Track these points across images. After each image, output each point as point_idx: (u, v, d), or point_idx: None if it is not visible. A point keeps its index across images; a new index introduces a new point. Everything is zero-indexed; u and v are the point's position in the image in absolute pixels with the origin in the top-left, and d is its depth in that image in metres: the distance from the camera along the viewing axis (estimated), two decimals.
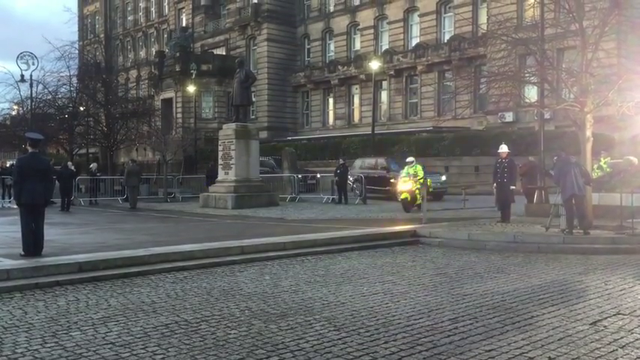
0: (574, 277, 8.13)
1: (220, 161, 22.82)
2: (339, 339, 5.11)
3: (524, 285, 7.55)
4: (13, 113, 50.20)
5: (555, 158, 12.36)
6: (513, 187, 14.79)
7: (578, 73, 12.95)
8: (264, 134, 42.80)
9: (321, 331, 5.34)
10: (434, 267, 9.07)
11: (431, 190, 19.12)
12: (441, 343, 4.98)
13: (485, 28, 27.21)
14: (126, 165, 31.89)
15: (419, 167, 18.85)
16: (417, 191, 17.59)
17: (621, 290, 7.18)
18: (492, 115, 34.36)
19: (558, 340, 5.08)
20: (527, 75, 15.22)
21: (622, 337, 5.15)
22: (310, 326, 5.52)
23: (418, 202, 17.29)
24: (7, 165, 32.32)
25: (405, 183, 18.17)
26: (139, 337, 5.20)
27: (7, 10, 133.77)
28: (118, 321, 5.77)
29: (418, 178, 18.19)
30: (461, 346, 4.93)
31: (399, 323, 5.62)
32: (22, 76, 34.25)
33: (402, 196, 18.27)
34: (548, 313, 6.02)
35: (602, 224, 12.38)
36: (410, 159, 19.45)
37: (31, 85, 35.18)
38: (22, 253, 9.23)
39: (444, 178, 24.44)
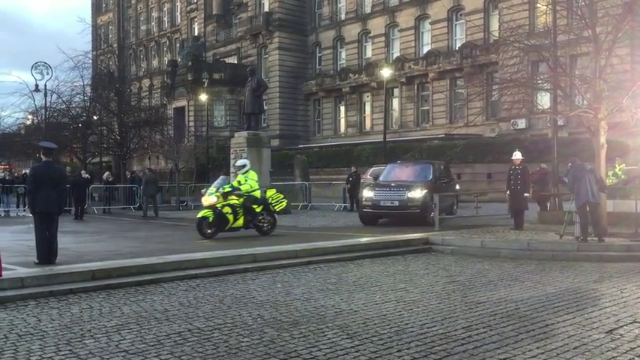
0: (589, 285, 8.05)
1: (232, 169, 22.89)
2: (352, 347, 5.08)
3: (539, 293, 7.48)
4: (28, 122, 50.73)
5: (570, 165, 12.24)
6: (527, 195, 14.70)
7: (591, 80, 12.87)
8: (275, 142, 42.92)
9: (333, 340, 5.32)
10: (447, 275, 9.01)
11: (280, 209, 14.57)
12: (454, 352, 4.94)
13: (497, 35, 27.20)
14: (136, 174, 32.05)
15: (252, 174, 14.27)
16: (228, 209, 13.39)
17: (637, 298, 7.10)
18: (505, 122, 34.22)
19: (574, 348, 5.02)
20: (539, 81, 15.16)
21: (639, 346, 5.08)
22: (323, 334, 5.50)
23: (238, 224, 13.56)
24: (17, 174, 32.58)
25: (210, 197, 13.61)
26: (152, 345, 5.20)
27: (25, 22, 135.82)
28: (131, 329, 5.78)
29: (225, 190, 13.64)
30: (475, 354, 4.88)
31: (412, 331, 5.59)
32: (37, 85, 34.64)
33: (201, 214, 13.66)
34: (563, 321, 5.95)
35: (616, 231, 12.26)
36: (241, 162, 14.76)
37: (45, 95, 35.55)
38: (37, 261, 9.30)
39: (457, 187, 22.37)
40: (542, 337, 5.37)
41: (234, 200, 13.57)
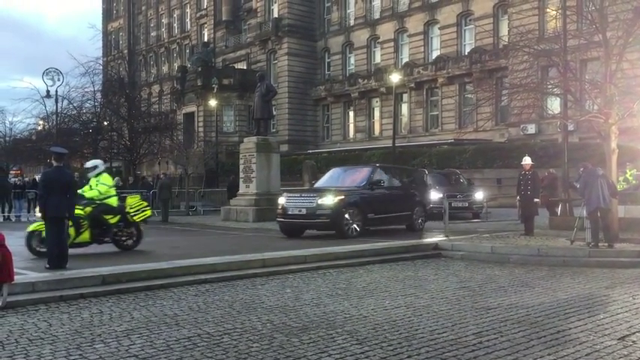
0: (600, 291, 7.98)
1: (241, 174, 22.95)
2: (362, 353, 5.06)
3: (550, 299, 7.42)
4: (39, 128, 51.20)
5: (581, 170, 12.14)
6: (537, 200, 14.62)
7: (602, 84, 12.80)
8: (284, 147, 42.97)
9: (343, 345, 5.30)
10: (457, 280, 8.97)
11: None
12: (465, 358, 4.91)
13: (507, 40, 27.14)
14: (146, 179, 32.18)
15: (105, 178, 12.10)
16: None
17: None
18: (514, 127, 34.10)
19: (586, 355, 4.98)
20: (549, 86, 15.10)
21: None
22: (332, 340, 5.49)
23: (82, 239, 11.47)
24: (28, 179, 32.77)
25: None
26: (162, 350, 5.21)
27: (38, 29, 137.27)
28: (141, 333, 5.79)
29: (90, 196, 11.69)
30: None
31: (422, 337, 5.56)
32: (48, 91, 34.97)
33: (31, 227, 11.28)
34: (575, 327, 5.91)
35: (628, 237, 12.17)
36: (91, 163, 12.74)
37: (56, 101, 35.90)
38: (47, 265, 9.35)
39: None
40: (554, 343, 5.33)
41: (77, 210, 10.73)
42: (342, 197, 14.70)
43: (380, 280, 9.05)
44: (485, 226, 16.70)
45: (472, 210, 20.40)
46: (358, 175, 16.40)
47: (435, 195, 19.04)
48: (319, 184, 17.38)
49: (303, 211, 14.82)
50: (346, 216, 14.59)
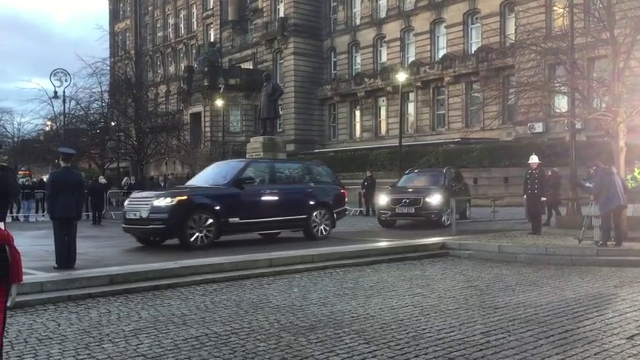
0: (609, 290, 7.94)
1: None
2: (370, 352, 5.06)
3: (558, 298, 7.40)
4: (47, 129, 51.40)
5: (594, 168, 12.00)
6: (544, 199, 14.57)
7: (609, 82, 12.76)
8: (291, 147, 42.98)
9: (350, 345, 5.30)
10: (464, 279, 8.95)
11: None
12: (473, 357, 4.90)
13: (514, 39, 27.02)
14: (155, 179, 32.28)
15: None
16: None
17: None
18: (521, 125, 33.97)
19: (594, 354, 4.96)
20: (557, 85, 15.06)
21: None
22: (340, 339, 5.49)
23: None
24: (36, 180, 32.88)
25: None
26: (170, 350, 5.23)
27: (46, 30, 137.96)
28: (149, 333, 5.81)
29: None
30: None
31: (429, 336, 5.55)
32: (56, 92, 35.15)
33: None
34: (583, 326, 5.88)
35: (636, 236, 12.09)
36: None
37: (64, 102, 36.06)
38: (56, 265, 9.39)
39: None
40: (562, 342, 5.31)
41: None
42: (184, 198, 12.42)
43: (387, 279, 9.04)
44: (493, 225, 16.65)
45: (420, 216, 17.17)
46: (226, 172, 13.98)
47: (383, 199, 18.17)
48: (188, 183, 16.09)
49: (139, 215, 12.47)
50: (191, 221, 12.09)
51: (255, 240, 14.13)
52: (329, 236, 14.49)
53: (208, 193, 12.98)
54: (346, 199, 16.09)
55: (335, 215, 14.93)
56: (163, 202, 12.18)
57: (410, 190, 18.36)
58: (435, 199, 17.12)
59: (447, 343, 5.30)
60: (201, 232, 12.20)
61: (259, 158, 18.31)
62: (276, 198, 13.77)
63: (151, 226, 12.23)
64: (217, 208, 12.51)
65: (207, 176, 14.50)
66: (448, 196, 17.26)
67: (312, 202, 14.38)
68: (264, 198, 13.58)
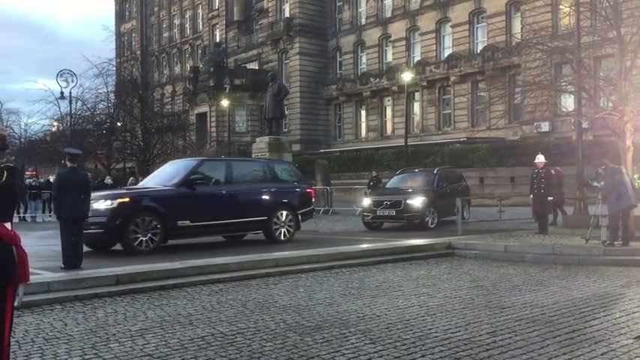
0: (616, 290, 7.91)
1: None
2: (376, 352, 5.05)
3: (565, 298, 7.37)
4: (53, 129, 51.63)
5: (603, 168, 11.89)
6: (551, 198, 14.52)
7: (616, 81, 12.71)
8: (296, 147, 42.99)
9: (356, 344, 5.30)
10: (470, 279, 8.93)
11: None
12: (479, 357, 4.88)
13: (520, 38, 26.96)
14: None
15: None
16: None
17: None
18: (528, 125, 33.88)
19: (601, 355, 4.94)
20: (563, 84, 15.01)
21: None
22: (346, 339, 5.49)
23: None
24: (42, 180, 32.96)
25: None
26: (176, 350, 5.24)
27: (53, 31, 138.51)
28: (155, 333, 5.82)
29: None
30: None
31: (435, 336, 5.54)
32: (62, 93, 35.32)
33: None
34: (590, 326, 5.86)
35: None
36: None
37: (70, 102, 36.22)
38: (62, 265, 9.43)
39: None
40: (569, 342, 5.29)
41: None
42: (126, 200, 11.67)
43: (393, 279, 9.03)
44: (499, 225, 16.60)
45: (401, 219, 16.77)
46: (177, 171, 13.15)
47: (365, 201, 17.76)
48: (140, 183, 15.41)
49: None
50: (134, 225, 11.35)
51: (217, 243, 13.59)
52: (293, 239, 13.76)
53: (154, 195, 12.14)
54: (313, 199, 15.28)
55: (300, 216, 14.12)
56: (103, 204, 11.34)
57: (393, 191, 17.85)
58: (417, 201, 16.49)
59: (454, 343, 5.29)
60: (145, 235, 11.42)
61: (214, 157, 17.20)
62: (232, 199, 13.01)
63: (89, 231, 10.98)
64: (164, 210, 11.67)
65: (159, 176, 13.65)
66: (434, 197, 16.85)
67: (273, 203, 13.70)
68: (218, 199, 12.77)
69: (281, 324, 6.12)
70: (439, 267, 10.35)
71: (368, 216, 17.31)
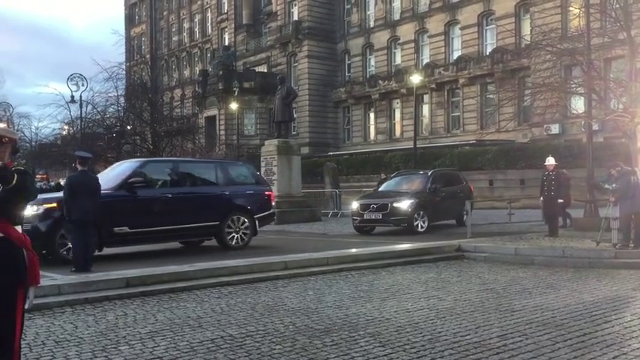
0: (627, 293, 7.85)
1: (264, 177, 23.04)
2: (385, 355, 5.04)
3: (575, 301, 7.32)
4: (64, 133, 51.94)
5: (617, 169, 11.77)
6: (561, 201, 14.43)
7: (627, 83, 12.63)
8: (305, 150, 43.02)
9: (366, 348, 5.29)
10: (480, 282, 8.89)
11: None
12: None
13: (529, 40, 26.86)
14: None
15: None
16: None
17: None
18: (537, 127, 33.73)
19: (613, 358, 4.90)
20: (573, 86, 14.94)
21: None
22: (355, 342, 5.48)
23: None
24: (52, 183, 33.14)
25: None
26: (186, 352, 5.25)
27: (64, 35, 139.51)
28: (165, 336, 5.84)
29: None
30: None
31: (445, 339, 5.52)
32: (72, 97, 35.52)
33: None
34: (602, 330, 5.82)
35: None
36: None
37: (80, 106, 36.43)
38: (73, 268, 9.48)
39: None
40: (580, 346, 5.25)
41: None
42: (53, 205, 10.68)
43: (402, 282, 9.01)
44: (509, 228, 16.51)
45: (388, 222, 16.46)
46: (117, 174, 12.31)
47: (354, 205, 17.31)
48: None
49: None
50: (62, 231, 10.53)
51: (174, 250, 13.06)
52: (249, 245, 13.00)
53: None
54: (273, 203, 14.49)
55: (257, 221, 13.30)
56: (30, 210, 10.19)
57: (382, 194, 17.49)
58: (404, 204, 16.00)
59: (463, 347, 5.27)
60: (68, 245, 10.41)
61: (161, 158, 16.17)
62: (179, 203, 12.10)
63: None
64: (101, 217, 10.30)
65: (105, 180, 11.80)
66: (425, 200, 16.45)
67: (226, 207, 12.86)
68: (162, 203, 11.80)
69: (290, 327, 6.12)
70: (448, 270, 10.31)
71: (356, 220, 16.98)
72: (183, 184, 12.85)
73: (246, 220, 13.03)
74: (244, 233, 13.03)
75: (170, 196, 12.13)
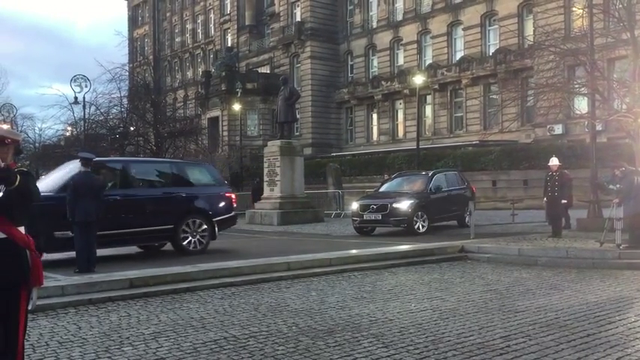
0: (631, 294, 7.82)
1: (266, 178, 23.06)
2: (388, 356, 5.04)
3: (579, 302, 7.30)
4: (67, 134, 52.03)
5: (621, 170, 11.74)
6: (564, 201, 14.40)
7: (630, 83, 12.61)
8: (308, 151, 43.04)
9: (369, 348, 5.28)
10: (483, 283, 8.87)
11: None
12: None
13: (532, 40, 26.81)
14: None
15: None
16: None
17: None
18: (541, 127, 33.68)
19: (617, 359, 4.89)
20: (576, 86, 14.91)
21: None
22: (358, 343, 5.47)
23: None
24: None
25: None
26: (189, 353, 5.25)
27: (68, 36, 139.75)
28: (168, 336, 5.85)
29: None
30: None
31: (448, 341, 5.51)
32: (76, 98, 35.59)
33: None
34: (605, 331, 5.80)
35: None
36: None
37: (84, 107, 36.47)
38: (76, 269, 9.50)
39: None
40: (584, 347, 5.24)
41: None
42: None
43: (405, 282, 9.00)
44: (512, 228, 16.49)
45: (387, 223, 16.46)
46: (63, 175, 11.53)
47: (353, 205, 17.31)
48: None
49: None
50: None
51: (131, 255, 12.48)
52: (207, 250, 12.40)
53: None
54: (235, 205, 13.76)
55: (216, 225, 12.65)
56: None
57: (382, 195, 17.45)
58: (403, 205, 15.99)
59: (467, 347, 5.26)
60: None
61: (109, 158, 15.46)
62: (128, 205, 11.46)
63: None
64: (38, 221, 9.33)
65: (49, 182, 11.68)
66: (425, 201, 16.42)
67: (181, 209, 12.20)
68: (110, 206, 10.83)
69: (293, 327, 6.12)
70: (452, 270, 10.30)
71: (356, 220, 16.97)
72: (135, 186, 12.27)
73: (204, 224, 12.41)
74: (202, 237, 12.41)
75: (118, 198, 11.38)
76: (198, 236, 12.36)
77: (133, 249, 12.89)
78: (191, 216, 12.30)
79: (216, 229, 12.69)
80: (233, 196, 13.76)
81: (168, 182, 12.82)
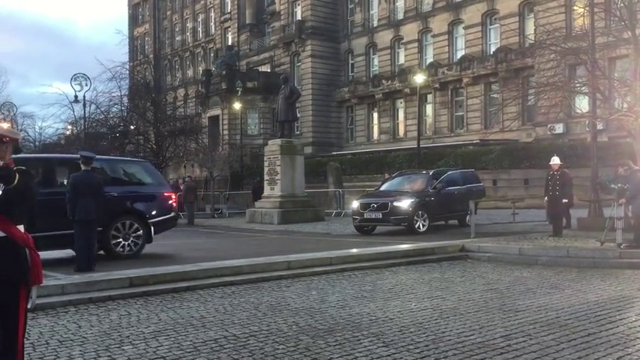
0: (632, 293, 7.81)
1: (266, 177, 23.06)
2: (389, 355, 5.03)
3: (580, 301, 7.29)
4: (67, 133, 52.06)
5: (625, 168, 11.69)
6: (565, 201, 14.38)
7: (631, 82, 12.59)
8: (308, 149, 43.02)
9: (369, 347, 5.27)
10: (484, 282, 8.87)
11: None
12: None
13: (533, 39, 26.79)
14: (174, 181, 32.53)
15: None
16: None
17: None
18: (541, 126, 33.65)
19: (617, 358, 4.88)
20: (577, 85, 14.89)
21: None
22: (358, 342, 5.46)
23: None
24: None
25: None
26: (189, 352, 5.24)
27: (70, 35, 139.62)
28: (168, 335, 5.84)
29: None
30: None
31: (449, 340, 5.50)
32: (76, 96, 35.62)
33: None
34: (606, 330, 5.79)
35: None
36: None
37: (84, 106, 36.50)
38: (76, 268, 9.49)
39: None
40: (585, 346, 5.23)
41: None
42: None
43: (406, 282, 8.99)
44: (513, 227, 16.47)
45: (387, 222, 16.47)
46: None
47: (354, 204, 17.29)
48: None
49: None
50: None
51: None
52: (141, 254, 11.66)
53: None
54: (174, 205, 12.90)
55: (153, 227, 11.86)
56: None
57: (382, 194, 17.45)
58: (404, 204, 15.93)
59: (467, 347, 5.25)
60: None
61: (30, 155, 13.64)
62: (48, 206, 10.00)
63: None
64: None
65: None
66: (426, 200, 16.38)
67: (112, 210, 11.16)
68: (37, 207, 9.10)
69: (293, 327, 6.11)
70: (452, 270, 10.29)
71: (356, 219, 16.94)
72: (60, 185, 11.11)
73: (137, 225, 11.62)
74: (135, 240, 11.64)
75: (44, 199, 9.67)
76: (131, 239, 11.60)
77: None
78: (122, 217, 11.47)
79: (152, 231, 11.92)
80: (173, 196, 12.97)
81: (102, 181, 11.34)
